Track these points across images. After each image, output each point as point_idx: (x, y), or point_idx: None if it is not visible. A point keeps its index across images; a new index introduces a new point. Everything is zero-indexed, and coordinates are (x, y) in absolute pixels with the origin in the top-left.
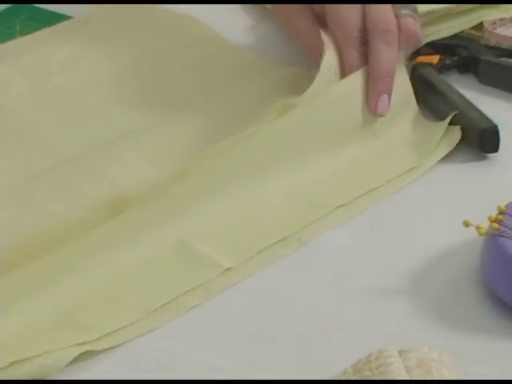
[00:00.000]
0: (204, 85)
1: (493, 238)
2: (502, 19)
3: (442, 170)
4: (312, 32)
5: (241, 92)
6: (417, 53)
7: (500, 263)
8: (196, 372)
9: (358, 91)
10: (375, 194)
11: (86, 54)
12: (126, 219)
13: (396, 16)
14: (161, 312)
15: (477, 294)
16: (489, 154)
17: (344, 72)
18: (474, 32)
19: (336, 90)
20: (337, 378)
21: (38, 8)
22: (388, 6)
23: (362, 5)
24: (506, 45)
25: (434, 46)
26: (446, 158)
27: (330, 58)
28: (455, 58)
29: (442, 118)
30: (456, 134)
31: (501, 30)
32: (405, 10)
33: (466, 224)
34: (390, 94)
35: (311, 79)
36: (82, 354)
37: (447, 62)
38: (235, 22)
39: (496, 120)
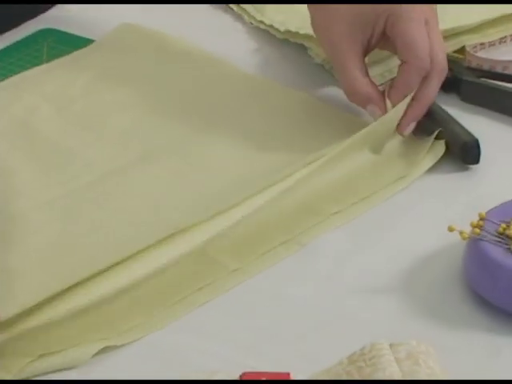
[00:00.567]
0: (217, 107)
1: (474, 241)
2: (482, 43)
3: (429, 180)
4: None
5: (255, 115)
6: None
7: (481, 265)
8: (205, 363)
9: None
10: (367, 201)
11: (106, 78)
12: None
13: None
14: (173, 309)
15: (460, 292)
16: (471, 166)
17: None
18: (456, 55)
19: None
20: (333, 369)
21: (64, 32)
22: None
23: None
24: (485, 66)
25: None
26: (432, 169)
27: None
28: None
29: (428, 133)
30: (440, 147)
31: (481, 53)
32: None
33: (451, 229)
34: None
35: (315, 101)
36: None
37: None
38: (239, 45)
39: (477, 134)
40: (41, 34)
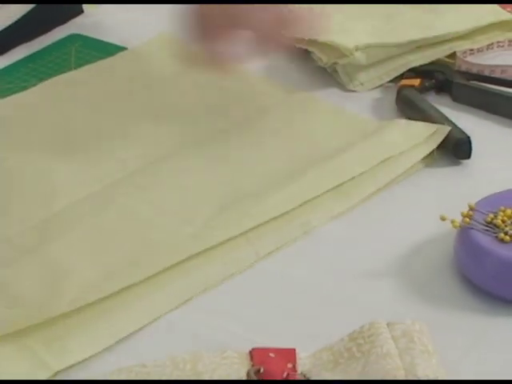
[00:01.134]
0: (239, 111)
1: (464, 230)
2: (471, 49)
3: (423, 173)
4: None
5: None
6: (401, 77)
7: (470, 252)
8: (217, 339)
9: None
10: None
11: (138, 84)
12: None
13: None
14: (189, 289)
15: (451, 276)
16: (462, 160)
17: None
18: (448, 60)
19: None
20: (335, 346)
21: (91, 38)
22: None
23: None
24: (474, 70)
25: (415, 71)
26: (426, 164)
27: None
28: (433, 81)
29: None
30: (440, 132)
31: (470, 58)
32: None
33: (443, 218)
34: None
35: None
36: None
37: (426, 84)
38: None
39: (468, 132)
40: (69, 40)
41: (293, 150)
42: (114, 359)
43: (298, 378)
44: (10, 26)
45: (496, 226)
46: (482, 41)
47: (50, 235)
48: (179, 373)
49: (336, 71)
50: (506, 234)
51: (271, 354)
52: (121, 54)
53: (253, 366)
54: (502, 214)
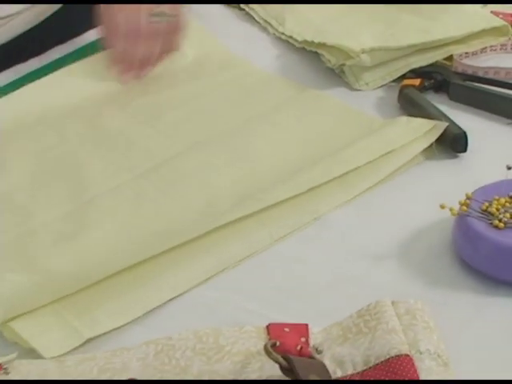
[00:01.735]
0: (257, 107)
1: (462, 217)
2: (466, 53)
3: (424, 165)
4: None
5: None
6: (403, 77)
7: (467, 236)
8: (236, 315)
9: None
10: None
11: (163, 80)
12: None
13: None
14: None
15: (449, 259)
16: (459, 154)
17: None
18: (445, 62)
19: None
20: (344, 322)
21: None
22: None
23: None
24: (470, 71)
25: (416, 72)
26: (427, 157)
27: None
28: (432, 81)
29: None
30: (439, 128)
31: (466, 61)
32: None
33: (442, 206)
34: None
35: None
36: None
37: (426, 84)
38: (264, 52)
39: (464, 127)
40: (99, 42)
41: (304, 143)
42: (142, 332)
43: (311, 350)
44: (41, 27)
45: (490, 213)
46: (476, 45)
47: (86, 222)
48: (202, 345)
49: (343, 72)
50: (499, 220)
51: (286, 329)
52: None
53: (269, 339)
54: (496, 202)
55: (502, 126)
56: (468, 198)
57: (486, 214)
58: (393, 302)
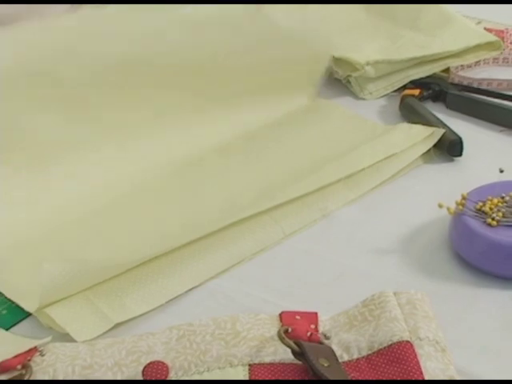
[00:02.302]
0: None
1: (458, 215)
2: (462, 65)
3: (423, 168)
4: None
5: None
6: (404, 87)
7: (463, 233)
8: (251, 304)
9: None
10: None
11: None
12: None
13: None
14: (227, 260)
15: (446, 254)
16: (455, 158)
17: None
18: (443, 73)
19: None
20: (350, 311)
21: None
22: None
23: None
24: (465, 82)
25: (415, 83)
26: (426, 160)
27: None
28: (430, 91)
29: None
30: (436, 134)
31: (462, 73)
32: None
33: (440, 205)
34: None
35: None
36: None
37: (425, 94)
38: None
39: (459, 134)
40: None
41: (314, 147)
42: (166, 318)
43: (320, 336)
44: None
45: (484, 212)
46: (471, 58)
47: (116, 217)
48: (220, 331)
49: (349, 82)
50: (492, 219)
51: (297, 317)
52: None
53: (282, 326)
54: (489, 202)
55: (495, 132)
56: (464, 198)
57: (481, 213)
58: (395, 293)
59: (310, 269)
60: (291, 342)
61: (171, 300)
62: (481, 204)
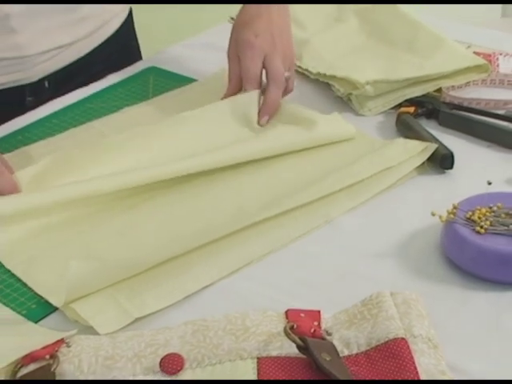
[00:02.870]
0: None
1: (449, 223)
2: (453, 86)
3: (417, 180)
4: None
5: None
6: (400, 105)
7: (453, 240)
8: (259, 302)
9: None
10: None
11: (204, 109)
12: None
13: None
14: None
15: (438, 258)
16: (447, 170)
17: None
18: (436, 93)
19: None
20: (350, 309)
21: (166, 71)
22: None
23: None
24: (456, 102)
25: (411, 101)
26: (420, 172)
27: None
28: (424, 109)
29: None
30: (427, 152)
31: (453, 93)
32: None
33: (433, 214)
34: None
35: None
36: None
37: (419, 111)
38: None
39: (451, 148)
40: (147, 71)
41: (318, 159)
42: (181, 314)
43: (322, 333)
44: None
45: (473, 221)
46: (461, 79)
47: (137, 221)
48: (231, 326)
49: (350, 100)
50: (481, 227)
51: (302, 314)
52: (191, 84)
53: (288, 323)
54: (478, 211)
55: (483, 147)
56: (454, 207)
57: (470, 222)
58: (391, 294)
59: (313, 270)
60: (296, 338)
61: (186, 297)
62: (470, 213)
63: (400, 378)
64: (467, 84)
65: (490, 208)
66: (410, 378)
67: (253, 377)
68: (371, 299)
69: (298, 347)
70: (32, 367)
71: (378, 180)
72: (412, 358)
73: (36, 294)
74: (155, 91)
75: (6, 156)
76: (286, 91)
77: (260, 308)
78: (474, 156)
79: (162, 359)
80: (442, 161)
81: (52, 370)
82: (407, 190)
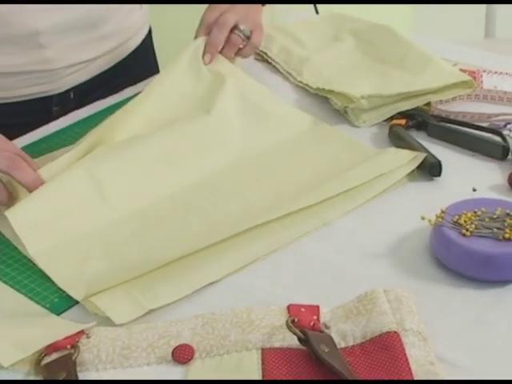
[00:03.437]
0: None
1: (438, 226)
2: (441, 100)
3: (408, 186)
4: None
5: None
6: (392, 118)
7: (441, 242)
8: (263, 297)
9: None
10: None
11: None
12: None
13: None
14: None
15: (428, 259)
16: (435, 178)
17: None
18: (425, 107)
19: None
20: (347, 305)
21: None
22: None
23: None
24: (443, 115)
25: (402, 114)
26: (410, 179)
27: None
28: (414, 121)
29: None
30: (416, 161)
31: (441, 106)
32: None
33: (422, 218)
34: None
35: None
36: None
37: (410, 123)
38: (287, 96)
39: (439, 157)
40: None
41: (317, 166)
42: (191, 307)
43: (321, 326)
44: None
45: (460, 224)
46: (449, 94)
47: (150, 223)
48: (238, 320)
49: (347, 112)
50: (467, 230)
51: (302, 309)
52: None
53: (289, 316)
54: (464, 216)
55: (468, 157)
56: (442, 212)
57: (457, 225)
58: (385, 291)
59: (313, 268)
60: (297, 331)
61: (196, 292)
62: (457, 217)
63: (392, 368)
64: (454, 99)
65: (475, 212)
66: (401, 368)
67: (257, 366)
68: (366, 296)
69: (299, 339)
70: (54, 356)
71: (372, 186)
72: (403, 349)
73: (58, 288)
74: None
75: None
76: (252, 46)
77: (264, 303)
78: (460, 165)
79: (174, 349)
80: (430, 169)
81: (73, 358)
82: (399, 196)
